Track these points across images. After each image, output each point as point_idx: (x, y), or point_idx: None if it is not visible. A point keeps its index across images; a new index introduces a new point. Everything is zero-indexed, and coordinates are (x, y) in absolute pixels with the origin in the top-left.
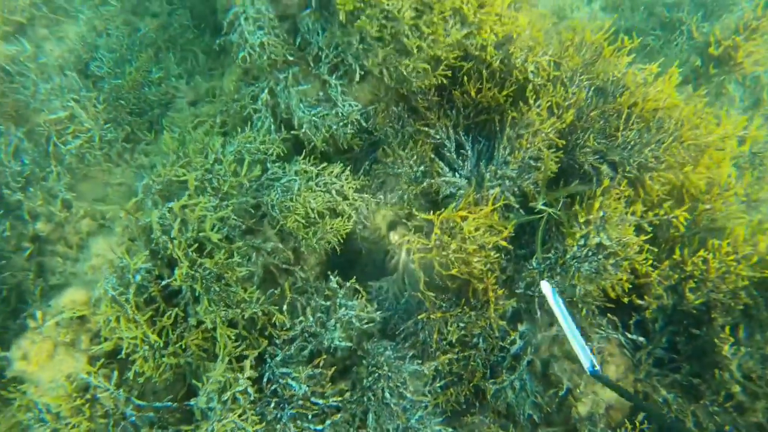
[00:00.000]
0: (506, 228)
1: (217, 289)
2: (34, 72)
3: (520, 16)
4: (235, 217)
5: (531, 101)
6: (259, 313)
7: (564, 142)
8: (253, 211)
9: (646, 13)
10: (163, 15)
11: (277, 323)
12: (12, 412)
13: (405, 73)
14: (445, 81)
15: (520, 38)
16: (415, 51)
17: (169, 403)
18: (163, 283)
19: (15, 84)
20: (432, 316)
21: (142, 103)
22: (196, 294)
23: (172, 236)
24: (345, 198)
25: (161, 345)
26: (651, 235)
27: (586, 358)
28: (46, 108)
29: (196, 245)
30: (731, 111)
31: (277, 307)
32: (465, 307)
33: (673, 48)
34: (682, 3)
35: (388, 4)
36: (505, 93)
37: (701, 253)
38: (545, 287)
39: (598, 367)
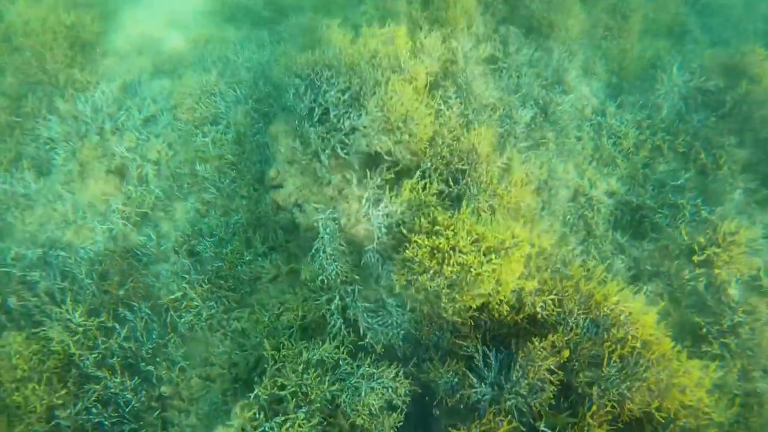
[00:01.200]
0: None
1: None
2: (156, 257)
3: (529, 282)
4: (320, 414)
5: (536, 342)
6: None
7: (562, 373)
8: (330, 406)
9: (656, 190)
10: (251, 199)
11: None
12: None
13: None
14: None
15: (529, 287)
16: (450, 310)
17: None
18: None
19: (145, 271)
20: None
21: (236, 280)
22: None
23: None
24: (399, 395)
25: None
26: None
27: None
28: (166, 288)
29: None
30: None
31: None
32: None
33: (678, 227)
34: (685, 186)
35: (430, 285)
36: (521, 316)
37: None
38: None
39: None
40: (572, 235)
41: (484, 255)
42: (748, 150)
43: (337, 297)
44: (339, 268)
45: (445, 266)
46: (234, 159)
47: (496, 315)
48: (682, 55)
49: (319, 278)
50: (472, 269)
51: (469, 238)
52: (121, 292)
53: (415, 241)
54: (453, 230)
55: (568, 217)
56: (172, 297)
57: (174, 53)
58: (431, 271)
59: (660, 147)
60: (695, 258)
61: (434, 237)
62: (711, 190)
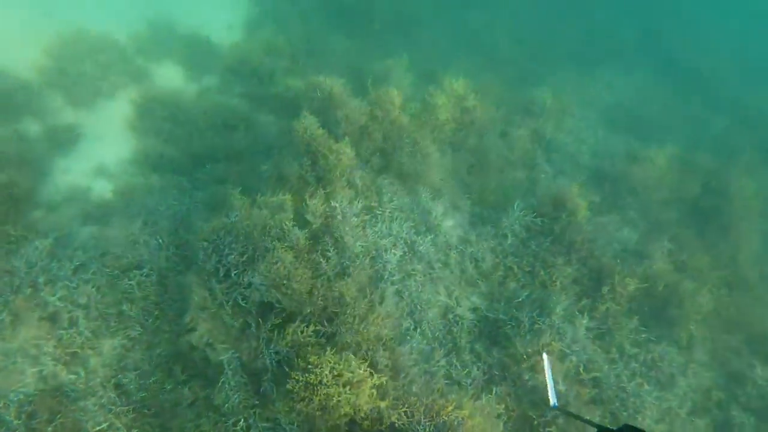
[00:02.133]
0: None
1: None
2: (84, 392)
3: (383, 402)
4: None
5: None
6: None
7: None
8: None
9: (506, 305)
10: (173, 333)
11: None
12: None
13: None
14: None
15: (383, 405)
16: (324, 428)
17: None
18: None
19: (73, 407)
20: None
21: (159, 408)
22: None
23: None
24: None
25: None
26: None
27: (552, 397)
28: (93, 420)
29: None
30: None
31: None
32: None
33: (523, 337)
34: (526, 302)
35: (306, 409)
36: (383, 426)
37: None
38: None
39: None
40: (440, 349)
41: (343, 386)
42: (573, 267)
43: (242, 420)
44: (241, 396)
45: (315, 396)
46: (157, 299)
47: (364, 427)
48: (534, 183)
49: (226, 405)
50: (334, 397)
51: (331, 374)
52: (49, 429)
53: (294, 377)
54: (320, 369)
55: (437, 333)
56: (98, 428)
57: (102, 202)
58: (306, 399)
59: (511, 267)
60: (524, 365)
61: (307, 374)
62: (547, 302)
